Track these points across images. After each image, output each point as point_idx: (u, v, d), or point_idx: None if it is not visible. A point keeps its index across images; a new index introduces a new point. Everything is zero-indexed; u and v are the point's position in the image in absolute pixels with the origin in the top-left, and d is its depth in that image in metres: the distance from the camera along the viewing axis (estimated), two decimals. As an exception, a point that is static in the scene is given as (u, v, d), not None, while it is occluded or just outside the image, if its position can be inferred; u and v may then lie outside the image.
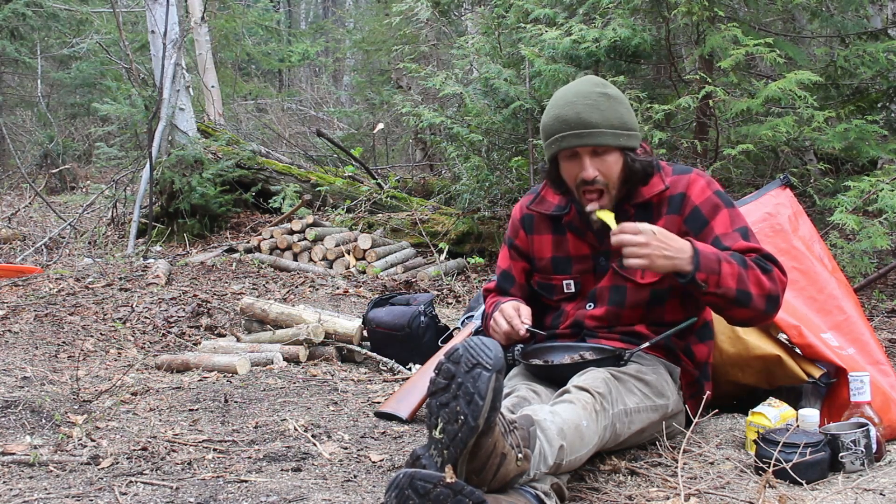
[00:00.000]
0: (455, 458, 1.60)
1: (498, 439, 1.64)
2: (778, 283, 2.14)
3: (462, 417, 1.58)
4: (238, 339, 3.79)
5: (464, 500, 1.58)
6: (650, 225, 2.07)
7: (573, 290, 2.34)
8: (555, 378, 2.14)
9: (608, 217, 2.17)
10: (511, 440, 1.68)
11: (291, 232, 6.14)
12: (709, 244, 2.16)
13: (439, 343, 3.36)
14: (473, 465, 1.63)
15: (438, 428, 1.63)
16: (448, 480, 1.58)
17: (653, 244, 2.02)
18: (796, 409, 2.28)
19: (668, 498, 1.88)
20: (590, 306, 2.30)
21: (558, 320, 2.36)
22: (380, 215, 6.82)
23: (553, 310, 2.40)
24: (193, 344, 3.84)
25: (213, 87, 10.72)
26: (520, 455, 1.68)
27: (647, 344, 2.18)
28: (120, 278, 4.80)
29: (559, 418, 1.82)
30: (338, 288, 5.00)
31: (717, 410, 2.32)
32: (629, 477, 2.04)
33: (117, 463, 2.20)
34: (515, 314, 2.25)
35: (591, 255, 2.31)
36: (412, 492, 1.59)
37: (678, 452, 2.04)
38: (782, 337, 2.53)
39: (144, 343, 3.80)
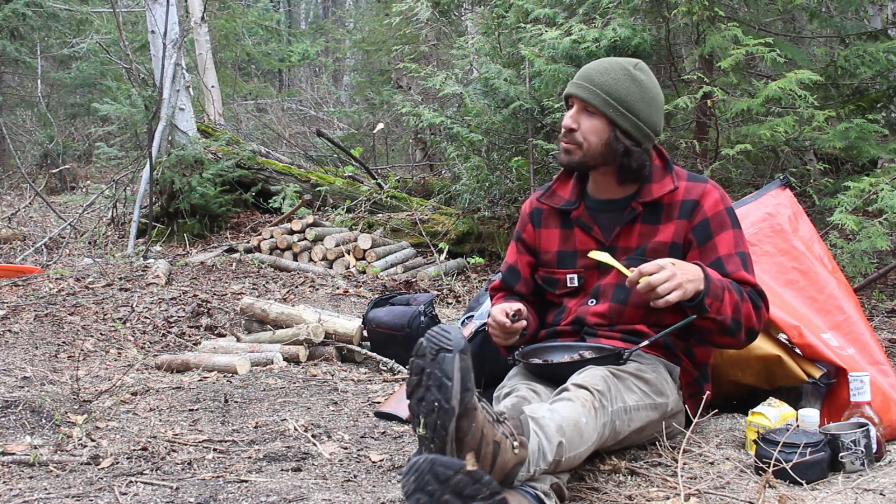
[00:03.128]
0: (441, 448, 1.60)
1: (484, 426, 1.64)
2: (762, 319, 2.21)
3: (436, 404, 1.59)
4: (238, 339, 3.79)
5: (482, 489, 1.58)
6: (663, 259, 2.08)
7: (576, 284, 2.34)
8: (554, 377, 2.14)
9: (604, 257, 2.19)
10: (503, 430, 1.68)
11: (291, 232, 6.14)
12: (710, 261, 2.20)
13: (439, 343, 3.36)
14: (464, 454, 1.63)
15: (421, 424, 1.63)
16: (469, 468, 1.58)
17: (678, 273, 2.04)
18: (796, 409, 2.28)
19: (668, 498, 1.88)
20: (592, 302, 2.31)
21: (560, 317, 2.36)
22: (380, 215, 6.82)
23: (556, 306, 2.40)
24: (193, 344, 3.84)
25: (213, 87, 10.72)
26: (515, 443, 1.68)
27: (646, 342, 2.18)
28: (120, 278, 4.80)
29: (557, 415, 1.82)
30: (338, 288, 5.00)
31: (716, 410, 2.32)
32: (629, 477, 2.03)
33: (117, 463, 2.20)
34: (500, 312, 2.26)
35: (596, 251, 2.31)
36: (432, 477, 1.58)
37: (678, 452, 2.04)
38: (782, 337, 2.53)
39: (144, 343, 3.80)
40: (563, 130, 2.29)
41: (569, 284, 2.35)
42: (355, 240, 5.95)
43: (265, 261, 5.81)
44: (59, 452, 2.27)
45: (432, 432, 1.61)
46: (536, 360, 2.22)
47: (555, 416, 1.82)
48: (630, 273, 2.09)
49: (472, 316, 3.10)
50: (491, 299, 2.57)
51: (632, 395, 2.06)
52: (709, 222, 2.24)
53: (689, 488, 1.91)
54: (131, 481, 2.05)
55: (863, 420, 2.17)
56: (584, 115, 2.25)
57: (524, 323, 2.24)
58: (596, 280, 2.32)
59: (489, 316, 2.30)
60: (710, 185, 2.29)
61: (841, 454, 2.08)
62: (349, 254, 5.86)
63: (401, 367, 3.43)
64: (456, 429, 1.60)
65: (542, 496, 1.73)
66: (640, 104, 2.25)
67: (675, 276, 2.02)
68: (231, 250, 6.26)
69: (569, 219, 2.37)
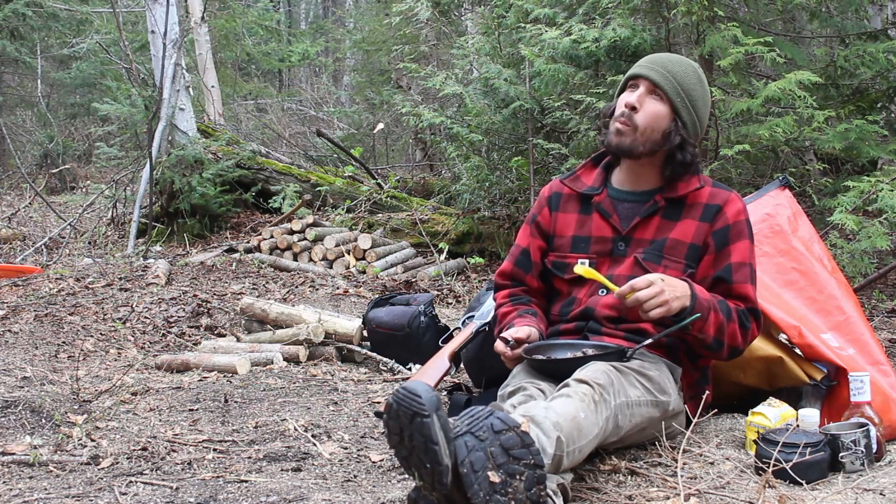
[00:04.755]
0: (448, 493, 1.60)
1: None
2: (749, 339, 2.26)
3: (429, 464, 1.59)
4: (238, 339, 3.79)
5: (527, 455, 1.60)
6: (653, 275, 2.12)
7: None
8: (557, 374, 2.14)
9: (591, 273, 2.21)
10: None
11: (291, 232, 6.13)
12: (722, 266, 2.25)
13: (439, 343, 3.36)
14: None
15: (416, 476, 1.64)
16: (523, 429, 1.62)
17: (666, 290, 2.08)
18: (796, 409, 2.28)
19: (668, 498, 1.88)
20: (602, 292, 2.31)
21: (569, 308, 2.36)
22: (380, 215, 6.82)
23: (564, 296, 2.40)
24: (193, 344, 3.84)
25: (213, 87, 10.71)
26: None
27: (649, 340, 2.18)
28: (120, 278, 4.80)
29: (553, 413, 1.83)
30: (338, 288, 5.00)
31: (716, 410, 2.32)
32: (629, 477, 2.03)
33: (117, 463, 2.20)
34: (500, 343, 2.29)
35: (611, 239, 2.33)
36: (486, 425, 1.61)
37: (678, 452, 2.04)
38: (782, 337, 2.53)
39: (144, 343, 3.80)
40: (621, 109, 2.29)
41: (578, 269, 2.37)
42: (355, 240, 5.95)
43: (265, 261, 5.81)
44: (59, 452, 2.28)
45: (430, 485, 1.61)
46: (540, 357, 2.22)
47: (550, 414, 1.82)
48: (616, 288, 2.13)
49: (473, 316, 3.09)
50: (497, 289, 2.55)
51: (634, 390, 2.08)
52: (729, 229, 2.27)
53: (689, 488, 1.91)
54: (131, 481, 2.05)
55: (863, 420, 2.18)
56: (650, 98, 2.28)
57: (522, 349, 2.26)
58: (606, 268, 2.32)
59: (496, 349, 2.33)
60: (735, 195, 2.34)
61: (841, 454, 2.08)
62: (349, 254, 5.86)
63: (401, 367, 3.43)
64: (453, 475, 1.59)
65: (552, 494, 1.74)
66: (700, 102, 2.31)
67: (662, 293, 2.07)
68: (231, 250, 6.26)
69: (589, 204, 2.39)
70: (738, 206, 2.30)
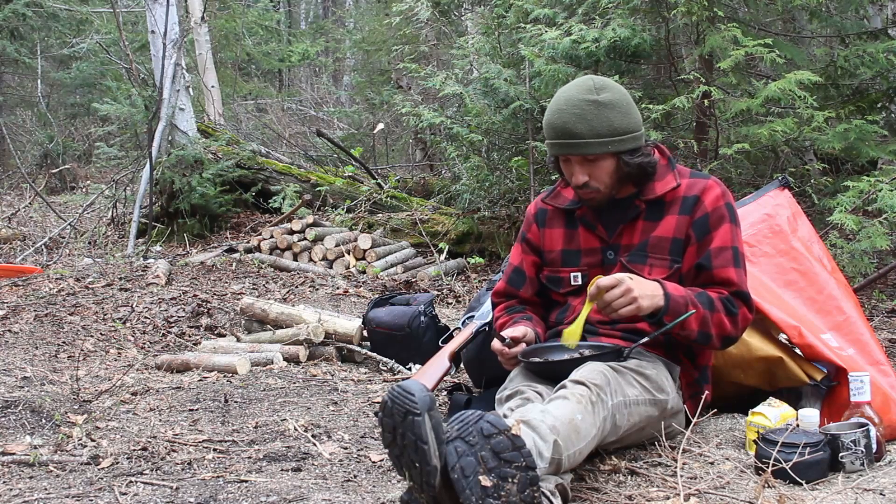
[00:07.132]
0: (435, 495, 1.61)
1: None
2: (740, 324, 2.23)
3: (418, 464, 1.60)
4: (238, 339, 3.79)
5: (519, 457, 1.60)
6: (621, 274, 2.12)
7: (580, 282, 2.37)
8: (555, 376, 2.15)
9: (575, 335, 2.21)
10: None
11: (291, 232, 6.14)
12: (703, 254, 2.24)
13: (440, 343, 3.36)
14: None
15: (406, 476, 1.66)
16: (513, 432, 1.62)
17: (634, 289, 2.07)
18: (796, 409, 2.28)
19: (668, 498, 1.89)
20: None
21: (564, 315, 2.38)
22: (380, 215, 6.82)
23: (560, 305, 2.42)
24: (193, 344, 3.84)
25: (213, 87, 10.71)
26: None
27: (645, 339, 2.18)
28: (120, 278, 4.80)
29: (550, 416, 1.84)
30: (338, 288, 5.00)
31: (716, 410, 2.32)
32: (629, 477, 2.04)
33: (117, 463, 2.20)
34: (497, 342, 2.30)
35: (600, 249, 2.34)
36: (476, 430, 1.61)
37: (678, 452, 2.04)
38: (782, 337, 2.53)
39: (144, 343, 3.80)
40: (575, 184, 2.29)
41: (573, 283, 2.38)
42: (355, 240, 5.95)
43: (265, 261, 5.81)
44: (59, 452, 2.28)
45: (419, 486, 1.63)
46: (536, 359, 2.22)
47: (547, 418, 1.83)
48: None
49: (473, 316, 3.09)
50: (494, 307, 2.58)
51: (632, 389, 2.08)
52: (708, 217, 2.27)
53: (689, 488, 1.91)
54: (131, 481, 2.05)
55: (863, 420, 2.18)
56: (587, 165, 2.25)
57: (521, 347, 2.27)
58: None
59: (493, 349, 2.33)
60: (712, 181, 2.32)
61: (841, 454, 2.08)
62: (349, 254, 5.86)
63: (401, 367, 3.43)
64: (442, 478, 1.61)
65: (549, 494, 1.74)
66: (622, 121, 2.24)
67: (630, 292, 2.06)
68: (231, 250, 6.26)
69: (573, 218, 2.40)
70: (716, 192, 2.29)
